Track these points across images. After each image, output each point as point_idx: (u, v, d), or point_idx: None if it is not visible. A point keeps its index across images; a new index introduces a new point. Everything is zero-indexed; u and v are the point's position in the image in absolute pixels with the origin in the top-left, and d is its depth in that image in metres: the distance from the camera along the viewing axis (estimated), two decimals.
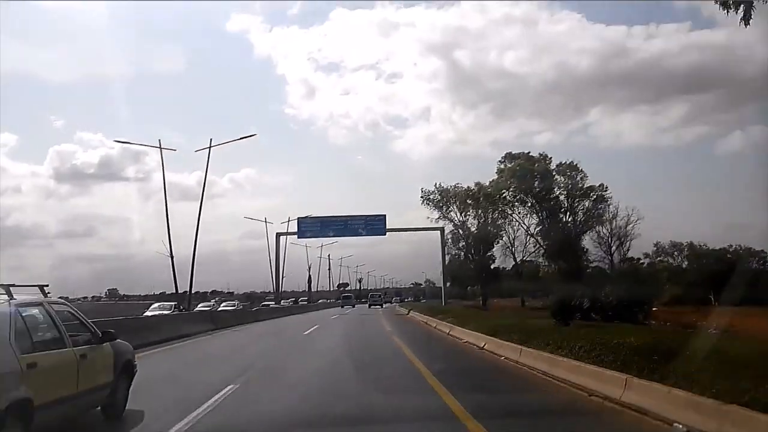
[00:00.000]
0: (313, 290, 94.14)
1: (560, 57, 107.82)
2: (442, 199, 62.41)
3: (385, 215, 51.76)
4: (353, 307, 69.36)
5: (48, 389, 5.65)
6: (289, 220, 53.53)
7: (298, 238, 51.07)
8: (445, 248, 54.06)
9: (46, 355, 5.83)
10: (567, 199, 48.66)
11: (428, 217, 60.83)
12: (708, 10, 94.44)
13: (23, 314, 5.81)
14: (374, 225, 51.03)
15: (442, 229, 55.96)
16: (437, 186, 62.81)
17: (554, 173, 49.19)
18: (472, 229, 62.08)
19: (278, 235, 51.31)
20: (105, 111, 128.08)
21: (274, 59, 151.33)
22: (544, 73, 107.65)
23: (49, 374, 5.73)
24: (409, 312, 43.81)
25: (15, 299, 5.94)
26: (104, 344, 7.12)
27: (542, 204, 49.06)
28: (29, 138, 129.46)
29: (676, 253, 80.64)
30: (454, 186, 62.56)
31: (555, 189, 49.11)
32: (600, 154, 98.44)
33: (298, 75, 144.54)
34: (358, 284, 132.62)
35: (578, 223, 48.82)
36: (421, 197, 62.42)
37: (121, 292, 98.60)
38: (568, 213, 48.99)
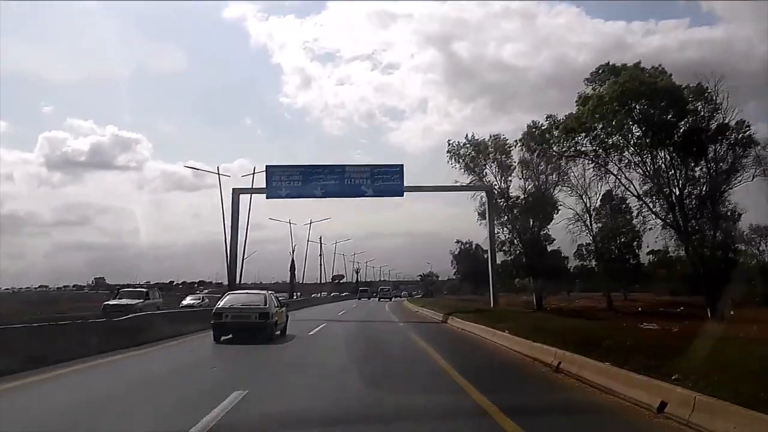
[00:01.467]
0: (305, 282, 76.25)
1: (559, 51, 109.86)
2: (477, 155, 44.14)
3: (401, 165, 33.47)
4: (368, 299, 74.43)
5: (277, 319, 16.79)
6: (254, 172, 35.19)
7: (268, 197, 32.65)
8: (492, 216, 35.44)
9: (276, 308, 16.84)
10: (700, 139, 29.83)
11: (456, 181, 42.69)
12: (707, 6, 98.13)
13: (271, 295, 17.53)
14: (386, 180, 32.68)
15: (489, 189, 37.47)
16: (470, 138, 44.51)
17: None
18: (517, 197, 43.73)
19: (236, 192, 32.83)
20: (97, 99, 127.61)
21: (270, 48, 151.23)
22: (542, 66, 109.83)
23: (277, 315, 16.80)
24: (446, 318, 25.72)
25: (269, 291, 18.23)
26: (283, 307, 18.41)
27: (660, 145, 30.58)
28: (19, 124, 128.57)
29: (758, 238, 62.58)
30: (494, 137, 44.28)
31: (683, 122, 30.20)
32: None
33: (294, 64, 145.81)
34: (355, 275, 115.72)
35: (717, 175, 30.25)
36: (448, 152, 44.14)
37: (113, 281, 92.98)
38: (702, 161, 30.38)
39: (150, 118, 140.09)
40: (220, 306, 16.57)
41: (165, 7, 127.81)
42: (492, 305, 32.73)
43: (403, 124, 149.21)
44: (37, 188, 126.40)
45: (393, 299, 73.36)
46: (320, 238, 76.39)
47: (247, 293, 18.43)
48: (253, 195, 34.48)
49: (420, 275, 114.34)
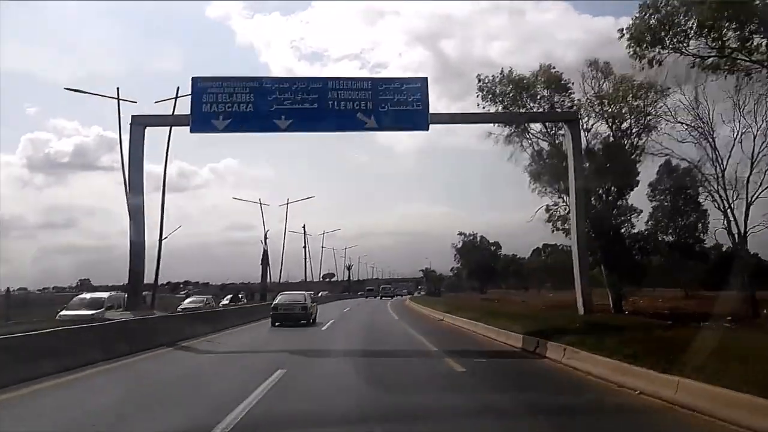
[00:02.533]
0: (290, 281, 62.56)
1: (547, 47, 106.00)
2: (519, 94, 30.55)
3: (425, 79, 19.76)
4: (375, 297, 76.90)
5: (312, 311, 24.83)
6: (177, 96, 21.40)
7: (193, 130, 18.74)
8: (580, 161, 21.50)
9: (311, 303, 25.11)
10: None
11: (491, 134, 29.76)
12: None
13: (308, 294, 26.12)
14: (399, 103, 19.03)
15: (573, 118, 23.21)
16: (506, 73, 30.81)
17: None
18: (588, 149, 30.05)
19: (137, 122, 18.75)
20: (81, 99, 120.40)
21: (256, 47, 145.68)
22: (530, 65, 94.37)
23: (312, 308, 25.08)
24: (556, 349, 12.15)
25: (308, 291, 27.95)
26: (315, 302, 27.13)
27: None
28: (2, 125, 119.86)
29: None
30: (544, 68, 30.66)
31: None
32: None
33: (281, 63, 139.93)
34: (346, 272, 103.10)
35: None
36: (480, 90, 30.50)
37: (101, 283, 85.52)
38: None
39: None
40: (276, 302, 24.25)
41: (148, 7, 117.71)
42: (582, 311, 19.09)
43: None
44: (20, 190, 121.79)
45: (394, 297, 74.57)
46: (303, 226, 62.69)
47: (292, 293, 26.41)
48: (171, 128, 20.45)
49: (422, 270, 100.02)
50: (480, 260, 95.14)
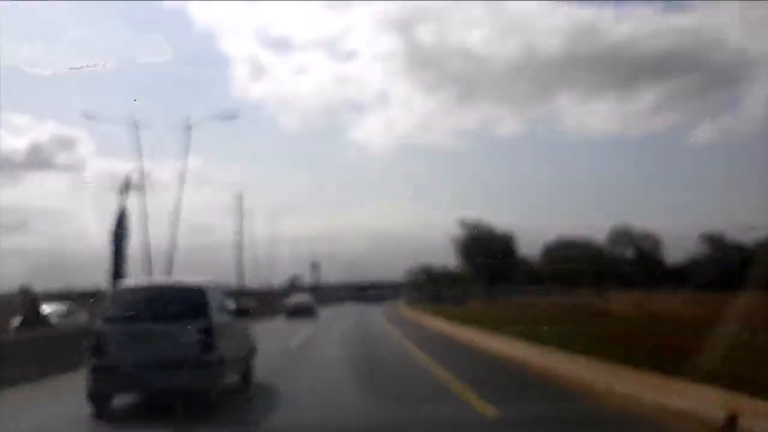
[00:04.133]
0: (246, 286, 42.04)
1: (527, 37, 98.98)
2: None
3: None
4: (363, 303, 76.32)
5: (315, 307, 37.28)
6: None
7: None
8: None
9: (314, 301, 38.49)
10: None
11: None
12: None
13: (311, 296, 41.68)
14: None
15: None
16: None
17: None
18: None
19: None
20: (32, 92, 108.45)
21: (216, 34, 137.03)
22: (509, 54, 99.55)
23: (315, 305, 38.03)
24: None
25: (309, 293, 45.09)
26: (315, 302, 39.04)
27: None
28: None
29: None
30: None
31: None
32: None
33: (244, 52, 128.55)
34: (313, 271, 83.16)
35: None
36: None
37: (45, 288, 70.89)
38: None
39: (91, 113, 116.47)
40: (290, 303, 36.04)
41: None
42: None
43: (365, 118, 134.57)
44: None
45: (385, 301, 71.56)
46: (239, 194, 41.36)
47: (301, 295, 39.48)
48: None
49: (423, 266, 78.11)
50: (492, 257, 73.94)
